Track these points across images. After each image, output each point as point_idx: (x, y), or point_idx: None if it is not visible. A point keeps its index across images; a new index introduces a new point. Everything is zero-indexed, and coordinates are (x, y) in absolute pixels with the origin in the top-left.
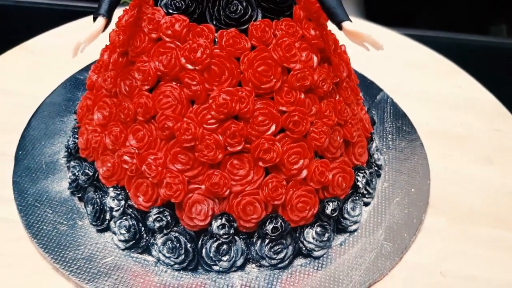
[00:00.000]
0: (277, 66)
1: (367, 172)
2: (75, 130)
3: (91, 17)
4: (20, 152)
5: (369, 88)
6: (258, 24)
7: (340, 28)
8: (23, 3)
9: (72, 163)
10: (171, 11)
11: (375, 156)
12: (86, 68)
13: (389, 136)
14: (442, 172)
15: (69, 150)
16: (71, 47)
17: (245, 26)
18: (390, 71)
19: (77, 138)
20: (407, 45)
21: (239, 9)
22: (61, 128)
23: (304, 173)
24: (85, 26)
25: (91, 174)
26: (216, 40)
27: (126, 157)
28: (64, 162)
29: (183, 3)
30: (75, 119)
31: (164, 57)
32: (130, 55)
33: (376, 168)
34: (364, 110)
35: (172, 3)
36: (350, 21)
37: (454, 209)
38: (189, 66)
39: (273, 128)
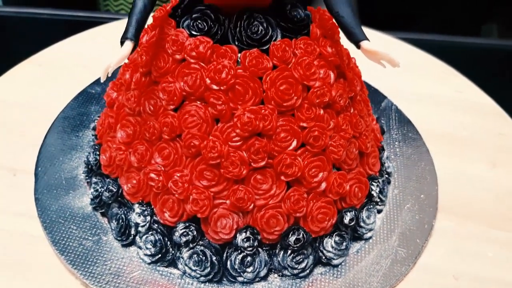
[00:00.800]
0: (297, 84)
1: (380, 180)
2: (96, 147)
3: (96, 29)
4: (40, 169)
5: (374, 95)
6: (279, 44)
7: (358, 47)
8: (22, 14)
9: (94, 179)
10: (194, 32)
11: (386, 164)
12: (97, 82)
13: (396, 143)
14: (448, 176)
15: (89, 166)
16: (101, 70)
17: (266, 46)
18: (390, 76)
19: (98, 155)
20: (404, 49)
21: (260, 29)
22: (77, 143)
23: (324, 185)
24: (87, 38)
25: (115, 190)
26: (239, 60)
27: (152, 175)
28: (83, 178)
29: (205, 24)
30: (93, 135)
31: (189, 78)
32: (154, 75)
33: (387, 175)
34: (374, 120)
35: (195, 24)
36: (368, 40)
37: (463, 213)
38: (214, 87)
39: (294, 143)
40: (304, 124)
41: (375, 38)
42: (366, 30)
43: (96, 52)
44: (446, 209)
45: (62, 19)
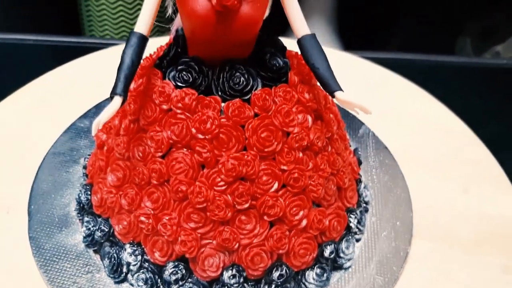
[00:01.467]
0: (277, 131)
1: (358, 212)
2: (87, 187)
3: (80, 60)
4: (32, 207)
5: (352, 121)
6: (259, 94)
7: (333, 96)
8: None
9: (86, 218)
10: (179, 84)
11: (363, 194)
12: (85, 116)
13: (373, 170)
14: (423, 202)
15: (81, 205)
16: (92, 126)
17: (248, 96)
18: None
19: (90, 195)
20: (380, 73)
21: (241, 80)
22: (68, 179)
23: (304, 222)
24: (71, 70)
25: (106, 230)
26: (223, 110)
27: (142, 218)
28: (75, 215)
29: (190, 76)
30: (84, 173)
31: (176, 127)
32: (142, 123)
33: (364, 204)
34: (351, 153)
35: (180, 76)
36: (342, 90)
37: (437, 238)
38: (200, 136)
39: (276, 185)
40: (285, 167)
41: (351, 61)
42: (341, 53)
43: (81, 83)
44: (421, 235)
45: (46, 45)
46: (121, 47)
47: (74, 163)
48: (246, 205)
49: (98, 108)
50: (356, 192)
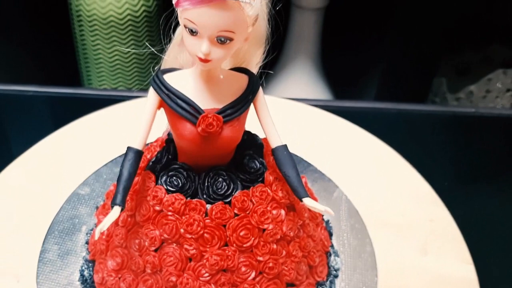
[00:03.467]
0: (254, 228)
1: (327, 283)
2: (89, 263)
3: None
4: (40, 277)
5: (328, 184)
6: (239, 196)
7: (301, 201)
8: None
9: None
10: (170, 188)
11: (333, 262)
12: (85, 183)
13: (344, 234)
14: (387, 264)
15: (84, 278)
16: (96, 231)
17: (229, 199)
18: (339, 162)
19: (92, 271)
20: (357, 135)
21: (223, 185)
22: (71, 249)
23: None
24: (69, 135)
25: None
26: (207, 212)
27: None
28: (79, 284)
29: (179, 181)
30: (86, 245)
31: (167, 227)
32: (138, 219)
33: (334, 271)
34: (323, 228)
35: (170, 181)
36: (309, 197)
37: None
38: (188, 235)
39: (253, 274)
40: (261, 258)
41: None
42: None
43: (80, 148)
44: None
45: (46, 96)
46: (116, 107)
47: (76, 231)
48: None
49: (98, 175)
50: (326, 265)
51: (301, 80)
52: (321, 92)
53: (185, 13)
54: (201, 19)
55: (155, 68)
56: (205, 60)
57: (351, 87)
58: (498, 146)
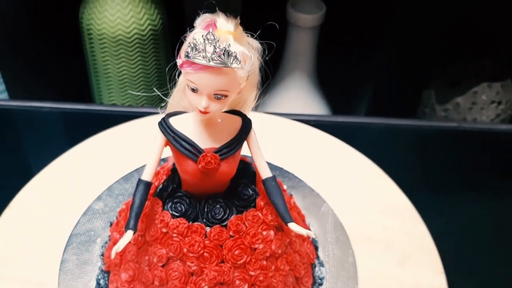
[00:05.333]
0: (247, 248)
1: None
2: (105, 274)
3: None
4: (61, 285)
5: (316, 199)
6: (234, 220)
7: (287, 225)
8: (26, 107)
9: None
10: (175, 213)
11: (319, 272)
12: (98, 198)
13: (330, 246)
14: (367, 274)
15: (100, 287)
16: (112, 252)
17: (225, 223)
18: (327, 178)
19: (107, 281)
20: (347, 154)
21: (220, 211)
22: (88, 259)
23: None
24: (92, 148)
25: None
26: (207, 234)
27: None
28: None
29: (183, 207)
30: (101, 256)
31: (172, 247)
32: (147, 238)
33: (319, 280)
34: (309, 243)
35: (175, 207)
36: (293, 221)
37: None
38: (190, 254)
39: (246, 287)
40: (252, 273)
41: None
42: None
43: (93, 165)
44: None
45: (61, 112)
46: (126, 125)
47: (92, 243)
48: None
49: (110, 190)
50: (311, 276)
51: (298, 94)
52: (317, 106)
53: (187, 75)
54: (201, 82)
55: (162, 109)
56: (204, 112)
57: (347, 100)
58: (479, 159)
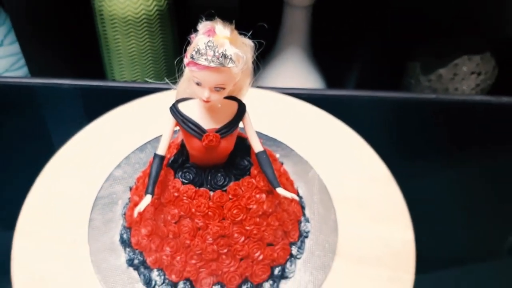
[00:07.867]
0: (243, 208)
1: (299, 242)
2: (127, 230)
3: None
4: (91, 239)
5: (305, 166)
6: (232, 186)
7: (275, 189)
8: (47, 84)
9: (128, 249)
10: (184, 181)
11: (304, 227)
12: (118, 166)
13: (315, 205)
14: (346, 228)
15: (123, 240)
16: (135, 211)
17: (225, 188)
18: (315, 147)
19: (129, 235)
20: (333, 126)
21: (221, 179)
22: (111, 218)
23: (261, 257)
24: (110, 122)
25: (141, 259)
26: (210, 197)
27: (164, 256)
28: (119, 244)
29: (191, 176)
30: (123, 215)
31: (183, 207)
32: (162, 201)
33: (305, 233)
34: (296, 203)
35: (184, 176)
36: (280, 187)
37: (355, 256)
38: (197, 213)
39: (242, 238)
40: (248, 227)
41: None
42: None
43: (112, 137)
44: (343, 255)
45: (79, 88)
46: (138, 101)
47: (114, 204)
48: (225, 250)
49: (128, 159)
50: (297, 230)
51: (294, 68)
52: (312, 79)
53: (192, 72)
54: (203, 78)
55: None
56: (206, 101)
57: (340, 73)
58: (457, 128)
